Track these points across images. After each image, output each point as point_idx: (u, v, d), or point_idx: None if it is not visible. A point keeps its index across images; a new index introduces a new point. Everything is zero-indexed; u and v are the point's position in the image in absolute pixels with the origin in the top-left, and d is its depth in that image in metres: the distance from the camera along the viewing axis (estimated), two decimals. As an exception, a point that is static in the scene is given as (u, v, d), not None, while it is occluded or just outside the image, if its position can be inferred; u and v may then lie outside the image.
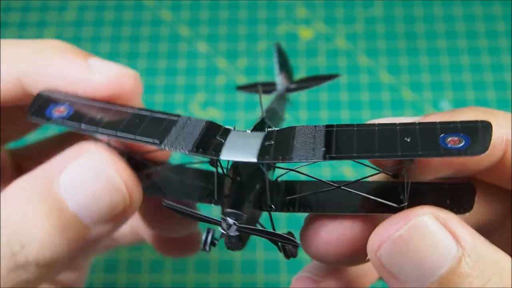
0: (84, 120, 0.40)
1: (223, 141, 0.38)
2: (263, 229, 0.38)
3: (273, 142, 0.38)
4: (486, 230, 0.44)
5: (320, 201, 0.41)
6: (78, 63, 0.42)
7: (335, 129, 0.37)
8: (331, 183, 0.41)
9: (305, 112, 0.91)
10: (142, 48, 0.98)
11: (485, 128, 0.32)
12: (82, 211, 0.38)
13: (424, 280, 0.35)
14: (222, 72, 0.96)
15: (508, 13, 0.98)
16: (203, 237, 0.40)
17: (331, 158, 0.35)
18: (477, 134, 0.31)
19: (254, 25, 1.00)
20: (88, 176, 0.38)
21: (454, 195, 0.38)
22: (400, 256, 0.36)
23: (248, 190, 0.39)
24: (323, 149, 0.35)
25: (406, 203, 0.38)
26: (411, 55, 0.96)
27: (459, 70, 0.94)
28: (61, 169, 0.39)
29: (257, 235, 0.37)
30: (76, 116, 0.40)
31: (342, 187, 0.40)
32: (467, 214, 0.39)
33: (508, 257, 0.37)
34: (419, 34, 0.98)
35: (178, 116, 0.40)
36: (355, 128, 0.36)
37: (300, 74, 0.95)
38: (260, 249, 0.81)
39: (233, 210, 0.37)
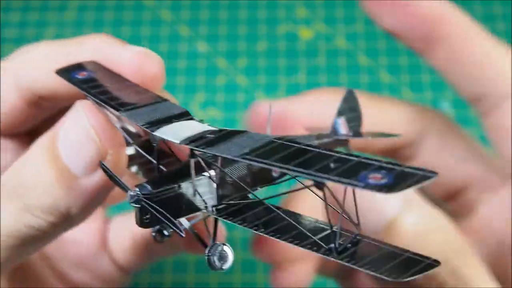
0: (90, 84, 0.44)
1: (173, 123, 0.40)
2: (162, 211, 0.38)
3: (213, 136, 0.38)
4: (403, 155, 0.55)
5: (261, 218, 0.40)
6: (116, 44, 0.49)
7: (278, 141, 0.37)
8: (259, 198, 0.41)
9: (305, 112, 0.91)
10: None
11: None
12: (70, 161, 0.43)
13: (376, 224, 0.39)
14: (222, 72, 0.96)
15: (508, 13, 0.98)
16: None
17: (243, 158, 0.35)
18: (405, 178, 0.31)
19: (254, 25, 1.00)
20: (71, 128, 0.43)
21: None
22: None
23: (178, 177, 0.40)
24: (246, 151, 0.36)
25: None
26: (411, 55, 0.96)
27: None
28: (60, 126, 0.44)
29: (154, 212, 0.38)
30: (89, 81, 0.45)
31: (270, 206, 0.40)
32: None
33: (443, 216, 0.41)
34: (419, 34, 0.98)
35: (165, 101, 0.44)
36: (296, 145, 0.36)
37: (300, 74, 0.95)
38: (260, 249, 0.81)
39: (145, 184, 0.39)
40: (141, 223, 0.39)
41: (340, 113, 0.50)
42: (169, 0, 1.03)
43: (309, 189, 0.36)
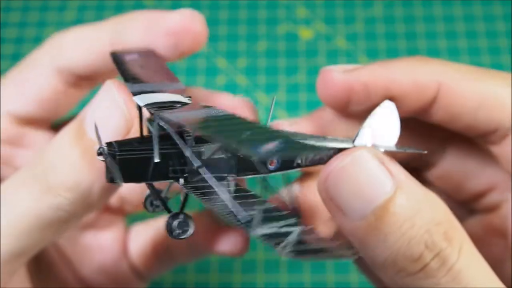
0: (128, 66, 0.47)
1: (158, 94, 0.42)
2: (115, 166, 0.40)
3: (180, 105, 0.41)
4: (423, 164, 0.54)
5: None
6: (157, 12, 0.52)
7: (230, 116, 0.38)
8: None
9: (305, 113, 0.91)
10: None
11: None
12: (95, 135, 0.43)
13: (365, 209, 0.39)
14: (222, 72, 0.96)
15: (508, 13, 0.98)
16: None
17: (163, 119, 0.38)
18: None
19: (254, 25, 1.00)
20: (100, 104, 0.44)
21: None
22: (343, 185, 0.40)
23: (148, 142, 0.41)
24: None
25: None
26: (411, 55, 0.96)
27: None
28: (88, 107, 0.45)
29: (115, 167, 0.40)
30: (129, 63, 0.48)
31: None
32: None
33: (436, 195, 0.41)
34: (419, 34, 0.98)
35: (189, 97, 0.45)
36: (240, 119, 0.38)
37: (300, 74, 0.95)
38: (260, 249, 0.81)
39: (114, 142, 0.41)
40: (107, 177, 0.41)
41: (369, 124, 0.47)
42: (169, 0, 1.03)
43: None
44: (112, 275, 0.63)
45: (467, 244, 0.40)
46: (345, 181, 0.40)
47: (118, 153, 0.40)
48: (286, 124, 0.53)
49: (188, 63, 0.97)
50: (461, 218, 0.55)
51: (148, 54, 0.51)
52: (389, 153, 0.45)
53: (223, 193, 0.40)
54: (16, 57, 0.98)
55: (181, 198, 0.43)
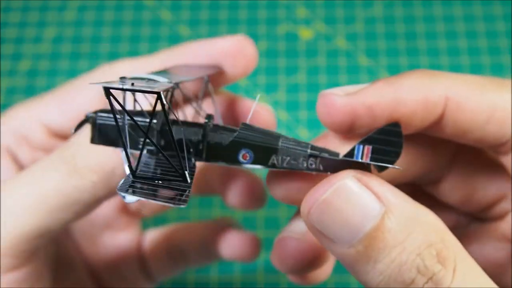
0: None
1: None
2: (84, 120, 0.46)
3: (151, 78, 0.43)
4: (431, 179, 0.51)
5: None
6: (210, 39, 0.56)
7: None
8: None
9: (305, 113, 0.91)
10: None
11: None
12: None
13: (352, 239, 0.38)
14: (222, 72, 0.96)
15: (508, 13, 0.98)
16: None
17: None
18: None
19: (254, 25, 1.00)
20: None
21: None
22: (327, 218, 0.39)
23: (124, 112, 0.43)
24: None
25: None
26: (411, 55, 0.96)
27: (459, 70, 0.94)
28: None
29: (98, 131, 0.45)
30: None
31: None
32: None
33: (428, 210, 0.39)
34: (419, 34, 0.98)
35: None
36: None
37: (300, 74, 0.95)
38: (260, 249, 0.81)
39: (98, 110, 0.45)
40: (90, 139, 0.45)
41: (368, 140, 0.44)
42: (169, 0, 1.03)
43: None
44: (124, 276, 0.65)
45: (462, 261, 0.38)
46: (329, 213, 0.39)
47: (97, 118, 0.45)
48: None
49: (188, 63, 0.97)
50: (465, 224, 0.55)
51: (206, 66, 0.53)
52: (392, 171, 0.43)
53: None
54: (16, 57, 0.98)
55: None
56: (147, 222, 0.72)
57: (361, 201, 0.38)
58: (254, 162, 0.45)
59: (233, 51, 0.55)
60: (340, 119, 0.46)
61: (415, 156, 0.49)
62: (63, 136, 0.59)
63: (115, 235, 0.65)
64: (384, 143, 0.44)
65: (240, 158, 0.45)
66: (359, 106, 0.45)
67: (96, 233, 0.64)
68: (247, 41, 0.56)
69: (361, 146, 0.44)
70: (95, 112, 0.45)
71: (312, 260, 0.50)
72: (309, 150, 0.44)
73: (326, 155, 0.44)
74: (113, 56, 0.98)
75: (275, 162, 0.45)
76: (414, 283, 0.37)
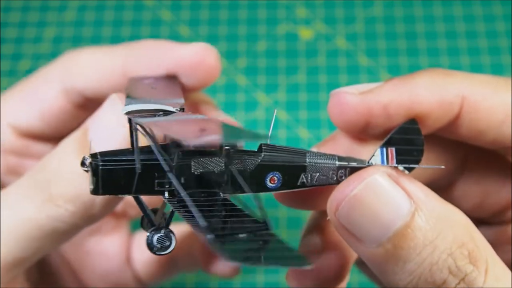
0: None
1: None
2: (100, 175, 0.39)
3: (163, 114, 0.41)
4: (442, 184, 0.50)
5: None
6: (172, 44, 0.52)
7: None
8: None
9: (304, 113, 0.91)
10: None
11: None
12: (99, 147, 0.42)
13: (381, 236, 0.37)
14: (222, 72, 0.95)
15: (508, 13, 0.98)
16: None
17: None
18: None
19: (254, 25, 1.00)
20: (104, 117, 0.44)
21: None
22: (356, 214, 0.38)
23: (127, 154, 0.40)
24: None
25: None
26: (411, 55, 0.96)
27: (459, 70, 0.94)
28: (92, 119, 0.45)
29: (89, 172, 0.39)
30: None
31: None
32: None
33: (457, 209, 0.38)
34: (419, 34, 0.98)
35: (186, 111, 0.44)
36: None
37: (300, 74, 0.95)
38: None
39: (97, 153, 0.39)
40: (90, 189, 0.40)
41: (389, 142, 0.44)
42: (169, 0, 1.03)
43: None
44: (114, 282, 0.62)
45: (493, 261, 0.38)
46: (359, 209, 0.38)
47: (100, 164, 0.39)
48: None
49: (188, 63, 0.97)
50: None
51: (166, 79, 0.50)
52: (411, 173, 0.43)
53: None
54: (16, 57, 0.98)
55: (160, 211, 0.42)
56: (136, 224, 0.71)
57: (391, 197, 0.38)
58: (282, 185, 0.42)
59: (193, 62, 0.51)
60: (354, 118, 0.44)
61: (427, 161, 0.47)
62: (32, 135, 0.56)
63: (102, 240, 0.61)
64: (405, 143, 0.44)
65: (268, 183, 0.42)
66: (374, 105, 0.44)
67: (80, 239, 0.60)
68: (209, 51, 0.51)
69: (384, 149, 0.43)
70: (94, 156, 0.39)
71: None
72: (337, 162, 0.43)
73: (354, 164, 0.43)
74: (113, 56, 0.97)
75: (305, 180, 0.43)
76: (446, 284, 0.36)
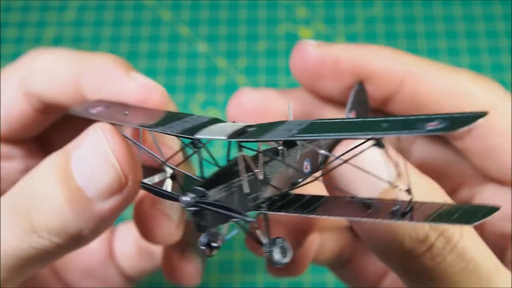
0: (110, 115, 0.44)
1: (209, 127, 0.40)
2: (221, 204, 0.37)
3: (255, 129, 0.38)
4: None
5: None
6: (122, 71, 0.49)
7: (322, 121, 0.37)
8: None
9: (305, 112, 0.91)
10: (142, 48, 0.98)
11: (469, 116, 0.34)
12: (86, 184, 0.41)
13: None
14: (222, 72, 0.96)
15: (508, 13, 0.98)
16: (200, 239, 0.40)
17: (297, 138, 0.36)
18: (460, 119, 0.32)
19: (254, 25, 1.00)
20: (89, 152, 0.41)
21: None
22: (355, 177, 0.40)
23: (232, 176, 0.39)
24: (295, 131, 0.36)
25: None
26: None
27: (459, 70, 0.94)
28: (75, 147, 0.42)
29: (215, 211, 0.37)
30: (106, 112, 0.45)
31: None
32: None
33: (431, 179, 0.42)
34: (419, 34, 0.98)
35: (191, 115, 0.43)
36: (338, 120, 0.37)
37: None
38: (260, 249, 0.81)
39: (198, 187, 0.37)
40: (198, 227, 0.38)
41: (351, 107, 0.48)
42: (169, 0, 1.03)
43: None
44: (98, 278, 0.61)
45: (474, 236, 0.41)
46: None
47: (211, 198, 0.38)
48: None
49: (188, 63, 0.97)
50: None
51: (109, 103, 0.48)
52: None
53: None
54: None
55: (247, 227, 0.42)
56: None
57: (379, 163, 0.40)
58: (311, 171, 0.44)
59: (136, 99, 0.48)
60: (309, 66, 0.50)
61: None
62: (4, 140, 0.54)
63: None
64: (360, 105, 0.49)
65: (304, 169, 0.43)
66: (327, 56, 0.50)
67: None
68: (153, 90, 0.48)
69: (350, 115, 0.48)
70: (196, 191, 0.37)
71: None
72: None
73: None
74: (113, 56, 0.98)
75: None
76: (427, 238, 0.40)
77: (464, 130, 0.31)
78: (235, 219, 0.39)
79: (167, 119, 0.42)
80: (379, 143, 0.36)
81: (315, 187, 0.44)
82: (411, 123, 0.33)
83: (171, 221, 0.51)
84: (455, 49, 0.96)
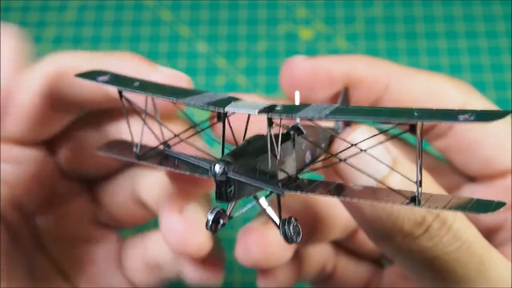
0: (120, 84, 0.45)
1: (233, 102, 0.40)
2: (252, 177, 0.38)
3: (282, 107, 0.39)
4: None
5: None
6: (147, 65, 0.52)
7: (348, 107, 0.39)
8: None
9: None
10: (142, 48, 0.98)
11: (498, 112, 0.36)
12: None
13: (370, 181, 0.42)
14: (222, 72, 0.96)
15: (508, 13, 0.98)
16: (208, 216, 0.41)
17: (334, 118, 0.37)
18: (489, 114, 0.34)
19: (254, 25, 1.00)
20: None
21: None
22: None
23: (252, 153, 0.40)
24: (327, 112, 0.37)
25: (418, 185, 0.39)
26: (411, 55, 0.96)
27: (459, 70, 0.94)
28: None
29: (246, 182, 0.38)
30: (115, 80, 0.45)
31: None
32: None
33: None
34: (419, 34, 0.98)
35: (206, 91, 0.43)
36: (369, 108, 0.39)
37: (300, 74, 0.95)
38: (260, 249, 0.81)
39: (226, 158, 0.38)
40: (226, 197, 0.39)
41: None
42: (169, 0, 1.03)
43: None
44: (106, 286, 0.62)
45: (466, 220, 0.44)
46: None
47: (239, 168, 0.38)
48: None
49: (188, 63, 0.97)
50: None
51: (115, 74, 0.48)
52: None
53: None
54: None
55: (262, 207, 0.43)
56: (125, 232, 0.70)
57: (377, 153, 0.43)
58: (311, 161, 0.45)
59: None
60: (303, 79, 0.53)
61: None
62: (11, 140, 0.55)
63: (90, 248, 0.61)
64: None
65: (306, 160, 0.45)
66: (321, 69, 0.53)
67: (68, 248, 0.60)
68: (181, 79, 0.52)
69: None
70: (225, 162, 0.38)
71: None
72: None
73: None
74: (113, 56, 0.98)
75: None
76: (424, 220, 0.43)
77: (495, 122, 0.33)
78: (263, 190, 0.40)
79: (184, 93, 0.43)
80: (412, 129, 0.36)
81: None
82: (441, 114, 0.35)
83: (203, 230, 0.52)
84: (455, 49, 0.96)
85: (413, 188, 0.39)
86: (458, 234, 0.43)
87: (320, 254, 0.61)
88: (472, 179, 0.56)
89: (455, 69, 0.94)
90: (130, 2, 1.03)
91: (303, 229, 0.41)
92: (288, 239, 0.41)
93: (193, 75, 0.96)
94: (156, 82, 0.47)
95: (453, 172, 0.56)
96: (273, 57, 0.97)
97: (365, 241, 0.59)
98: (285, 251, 0.53)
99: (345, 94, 0.53)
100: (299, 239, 0.41)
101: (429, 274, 0.45)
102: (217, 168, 0.38)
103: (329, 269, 0.62)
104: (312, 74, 0.53)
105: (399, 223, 0.43)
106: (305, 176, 0.44)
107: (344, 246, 0.62)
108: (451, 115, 0.35)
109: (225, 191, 0.38)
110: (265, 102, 0.40)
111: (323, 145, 0.46)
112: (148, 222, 0.65)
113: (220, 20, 1.01)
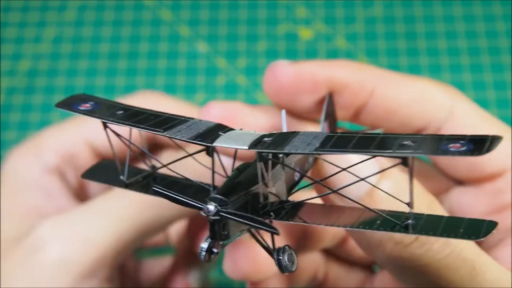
0: (104, 114, 0.43)
1: (222, 134, 0.40)
2: (244, 214, 0.38)
3: (271, 139, 0.39)
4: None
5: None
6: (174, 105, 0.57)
7: (337, 135, 0.38)
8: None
9: (305, 112, 0.91)
10: (142, 48, 0.98)
11: (492, 139, 0.35)
12: None
13: (359, 192, 0.42)
14: (222, 72, 0.96)
15: (508, 13, 0.98)
16: (201, 245, 0.40)
17: (322, 151, 0.37)
18: (482, 142, 0.34)
19: (254, 25, 1.00)
20: None
21: None
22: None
23: (243, 186, 0.40)
24: (317, 145, 0.37)
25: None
26: (411, 55, 0.96)
27: (459, 70, 0.94)
28: None
29: (238, 221, 0.37)
30: (98, 111, 0.44)
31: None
32: None
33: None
34: (419, 34, 0.98)
35: (192, 118, 0.42)
36: (357, 135, 0.37)
37: (300, 74, 0.95)
38: (260, 249, 0.81)
39: (218, 196, 0.38)
40: (220, 236, 0.38)
41: (325, 117, 0.50)
42: (169, 0, 1.03)
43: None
44: None
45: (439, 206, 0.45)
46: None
47: (232, 205, 0.38)
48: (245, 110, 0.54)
49: (188, 63, 0.97)
50: None
51: (97, 100, 0.46)
52: None
53: None
54: (16, 57, 0.98)
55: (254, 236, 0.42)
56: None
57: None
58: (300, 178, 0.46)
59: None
60: (288, 84, 0.52)
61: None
62: (105, 156, 0.59)
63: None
64: (329, 115, 0.51)
65: (295, 178, 0.45)
66: (305, 73, 0.52)
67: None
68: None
69: (324, 124, 0.50)
70: (216, 200, 0.38)
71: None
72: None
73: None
74: (113, 56, 0.97)
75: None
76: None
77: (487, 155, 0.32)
78: (257, 228, 0.39)
79: (169, 122, 0.42)
80: (404, 162, 0.36)
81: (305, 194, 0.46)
82: (432, 144, 0.34)
83: (257, 251, 0.52)
84: (455, 49, 0.96)
85: (402, 197, 0.38)
86: (449, 240, 0.42)
87: (311, 263, 0.61)
88: (460, 182, 0.55)
89: (455, 69, 0.94)
90: (130, 2, 1.03)
91: (292, 239, 0.41)
92: (283, 268, 0.40)
93: (193, 75, 0.96)
94: (140, 109, 0.45)
95: (441, 175, 0.56)
96: (273, 57, 0.97)
97: (355, 248, 0.59)
98: (274, 262, 0.53)
99: (329, 99, 0.52)
100: (294, 268, 0.40)
101: (421, 281, 0.45)
102: (211, 207, 0.37)
103: (320, 277, 0.62)
104: (296, 79, 0.52)
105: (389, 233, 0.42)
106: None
107: (334, 253, 0.62)
108: (441, 146, 0.34)
109: (219, 230, 0.38)
110: (253, 132, 0.40)
111: (311, 159, 0.45)
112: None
113: (220, 20, 1.01)
